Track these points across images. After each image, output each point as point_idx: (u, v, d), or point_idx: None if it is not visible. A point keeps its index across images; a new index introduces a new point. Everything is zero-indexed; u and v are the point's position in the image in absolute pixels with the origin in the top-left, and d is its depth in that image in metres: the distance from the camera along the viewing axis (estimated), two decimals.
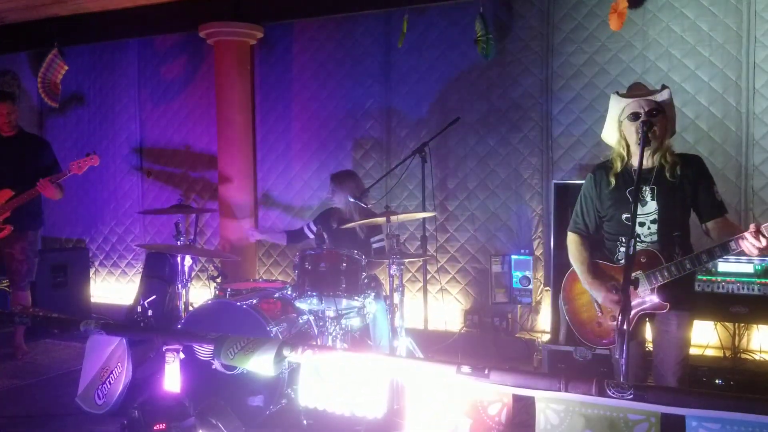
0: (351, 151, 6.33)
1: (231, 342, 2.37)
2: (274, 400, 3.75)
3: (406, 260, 5.78)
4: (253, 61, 6.63)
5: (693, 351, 4.63)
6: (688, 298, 2.95)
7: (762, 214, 4.89)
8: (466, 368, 2.11)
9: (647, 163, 2.92)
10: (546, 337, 5.17)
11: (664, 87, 2.96)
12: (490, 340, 5.35)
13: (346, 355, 2.29)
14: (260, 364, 2.33)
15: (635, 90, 3.01)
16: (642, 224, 2.94)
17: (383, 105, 6.21)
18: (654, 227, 2.93)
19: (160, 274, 6.04)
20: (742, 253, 2.67)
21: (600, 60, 5.39)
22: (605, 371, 4.31)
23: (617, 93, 3.00)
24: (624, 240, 2.96)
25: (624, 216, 2.97)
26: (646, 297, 2.88)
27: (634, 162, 2.94)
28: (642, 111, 2.88)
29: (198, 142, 7.02)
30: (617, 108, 2.99)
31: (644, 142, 2.81)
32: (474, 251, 5.87)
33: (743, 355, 4.51)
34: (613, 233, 3.04)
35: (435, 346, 5.18)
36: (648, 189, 2.94)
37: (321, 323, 4.11)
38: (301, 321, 4.22)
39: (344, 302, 4.04)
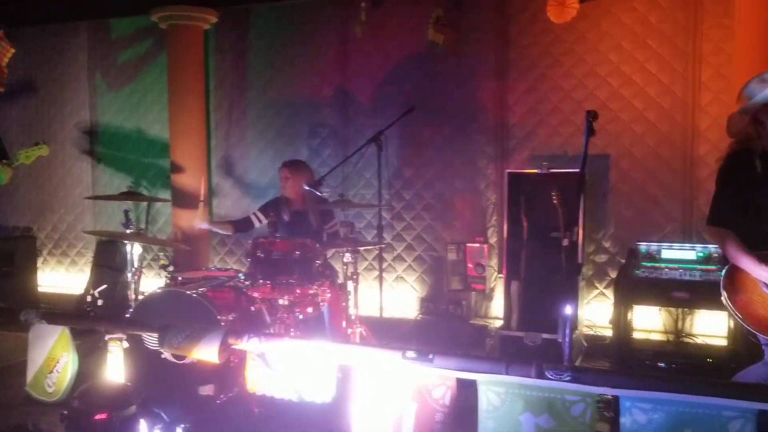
0: (308, 139, 6.30)
1: (175, 331, 2.35)
2: (226, 388, 3.73)
3: (362, 249, 5.81)
4: (207, 46, 6.52)
5: (638, 335, 4.81)
6: None
7: (706, 203, 5.02)
8: (411, 354, 2.14)
9: None
10: (499, 323, 5.26)
11: None
12: (444, 327, 5.40)
13: (293, 342, 2.30)
14: (205, 352, 2.32)
15: None
16: None
17: (341, 93, 6.19)
18: None
19: (110, 262, 5.93)
20: None
21: (554, 51, 5.47)
22: (555, 355, 4.40)
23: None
24: None
25: None
26: None
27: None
28: None
29: (150, 128, 6.89)
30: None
31: None
32: (430, 239, 5.91)
33: (686, 339, 4.67)
34: (756, 225, 2.86)
35: (391, 333, 5.20)
36: None
37: (274, 311, 4.08)
38: (253, 309, 4.20)
39: (298, 290, 4.03)
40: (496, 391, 2.01)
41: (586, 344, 4.96)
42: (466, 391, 2.13)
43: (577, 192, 2.86)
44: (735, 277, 2.77)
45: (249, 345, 2.35)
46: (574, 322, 4.86)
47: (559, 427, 1.94)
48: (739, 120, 2.91)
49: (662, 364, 3.92)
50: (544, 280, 4.84)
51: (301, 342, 2.31)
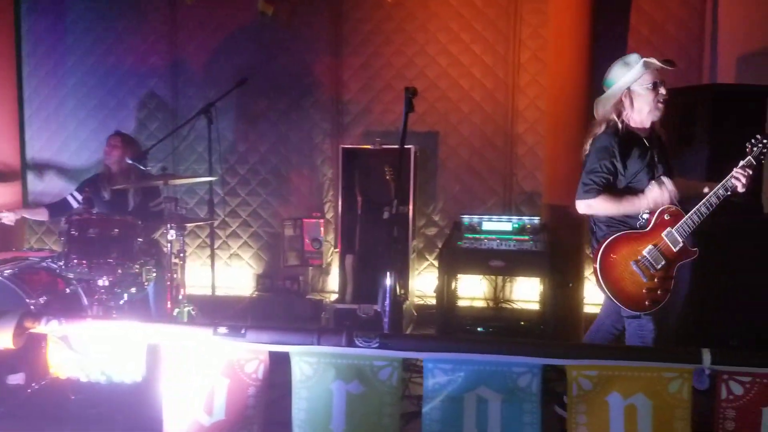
0: (134, 110, 5.94)
1: None
2: (37, 376, 3.48)
3: (194, 225, 5.62)
4: (18, 6, 5.91)
5: (463, 303, 5.10)
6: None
7: (524, 178, 5.43)
8: (222, 329, 2.09)
9: (648, 130, 3.11)
10: (335, 297, 5.34)
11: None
12: (281, 303, 5.39)
13: (96, 323, 2.17)
14: None
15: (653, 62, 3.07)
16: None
17: (169, 62, 5.89)
18: None
19: None
20: (734, 188, 2.94)
21: (386, 28, 5.57)
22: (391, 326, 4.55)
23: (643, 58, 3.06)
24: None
25: (650, 182, 3.06)
26: (677, 249, 2.99)
27: (633, 126, 3.09)
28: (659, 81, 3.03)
29: None
30: (634, 72, 3.05)
31: None
32: (266, 215, 5.84)
33: (504, 305, 5.03)
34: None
35: (225, 311, 5.10)
36: (654, 153, 3.11)
37: (92, 293, 3.84)
38: (68, 291, 3.92)
39: (119, 270, 3.81)
40: (308, 361, 2.03)
41: (416, 313, 5.18)
42: (283, 364, 2.13)
43: (398, 167, 2.94)
44: (609, 253, 3.00)
45: (48, 328, 2.18)
46: (405, 293, 5.06)
47: (369, 391, 2.00)
48: (606, 102, 3.13)
49: (481, 329, 4.18)
50: (377, 254, 4.97)
51: (105, 322, 2.18)
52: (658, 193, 2.98)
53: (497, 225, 4.47)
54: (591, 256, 3.15)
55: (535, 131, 5.35)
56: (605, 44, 5.09)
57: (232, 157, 5.80)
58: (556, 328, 4.17)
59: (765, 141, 2.95)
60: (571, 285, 4.50)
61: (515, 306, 5.12)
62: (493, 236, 4.34)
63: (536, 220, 4.50)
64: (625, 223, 3.09)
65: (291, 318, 5.16)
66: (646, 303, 2.99)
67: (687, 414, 1.88)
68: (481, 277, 5.12)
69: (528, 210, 5.36)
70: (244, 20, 5.73)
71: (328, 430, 1.98)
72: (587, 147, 3.15)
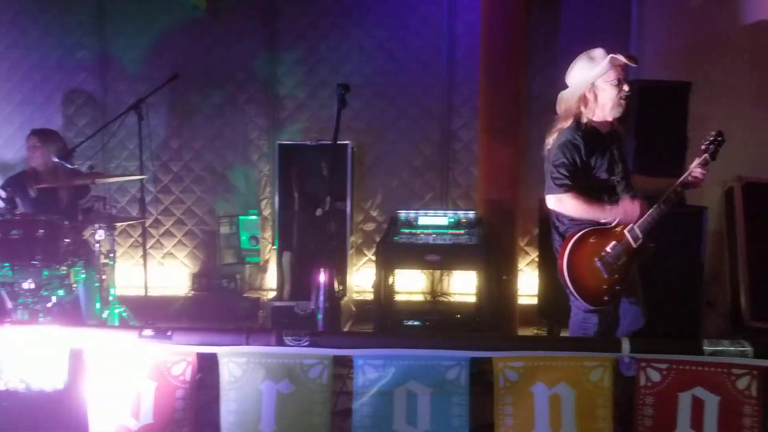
0: (61, 106, 5.73)
1: None
2: None
3: (126, 224, 5.47)
4: None
5: (402, 297, 5.13)
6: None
7: (460, 173, 5.50)
8: (148, 332, 2.06)
9: (609, 126, 3.11)
10: (272, 295, 5.29)
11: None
12: (217, 302, 5.30)
13: (12, 328, 2.09)
14: None
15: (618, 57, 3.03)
16: (618, 183, 3.10)
17: (98, 56, 5.71)
18: (623, 184, 3.11)
19: None
20: (693, 183, 2.98)
21: (322, 24, 5.53)
22: (327, 323, 4.54)
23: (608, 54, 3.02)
24: (607, 200, 3.06)
25: (611, 178, 3.07)
26: (637, 245, 2.99)
27: (596, 122, 3.07)
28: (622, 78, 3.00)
29: None
30: (599, 68, 3.01)
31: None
32: (201, 213, 5.73)
33: (441, 298, 5.09)
34: (595, 197, 3.06)
35: (159, 312, 4.98)
36: (614, 150, 3.10)
37: (16, 296, 3.69)
38: None
39: (46, 272, 3.68)
40: (237, 362, 2.01)
41: (355, 309, 5.19)
42: (212, 365, 2.11)
43: (331, 163, 2.93)
44: (575, 249, 2.97)
45: None
46: (344, 289, 5.06)
47: (299, 390, 2.00)
48: (570, 97, 3.09)
49: (418, 323, 4.22)
50: (315, 251, 4.95)
51: (25, 327, 2.11)
52: (630, 208, 2.97)
53: (433, 220, 4.51)
54: (556, 251, 3.10)
55: (470, 127, 5.42)
56: (537, 39, 5.23)
57: (165, 154, 5.67)
58: (492, 320, 4.24)
59: (720, 138, 3.01)
60: (505, 278, 4.58)
61: (452, 299, 5.19)
62: (430, 231, 4.38)
63: (471, 214, 4.57)
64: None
65: (228, 317, 5.09)
66: (605, 298, 2.99)
67: (608, 401, 1.95)
68: (419, 271, 5.16)
69: (464, 204, 5.43)
70: (176, 13, 5.59)
71: (257, 431, 1.97)
72: (550, 141, 3.11)
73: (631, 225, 2.97)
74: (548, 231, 4.72)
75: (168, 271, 5.71)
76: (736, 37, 4.71)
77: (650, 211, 2.96)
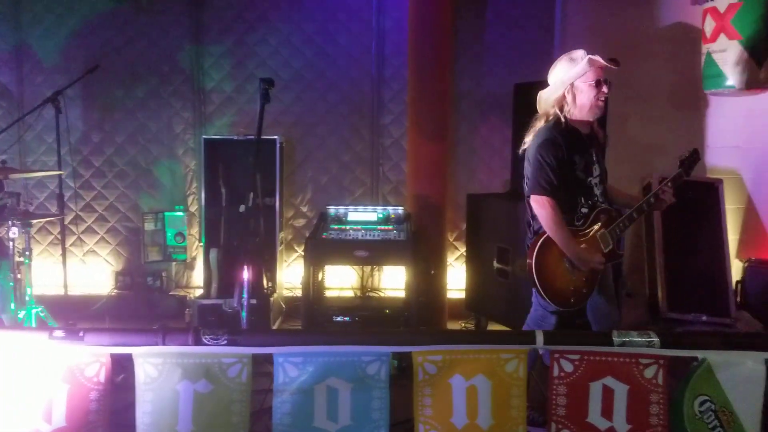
0: None
1: None
2: None
3: (43, 221, 5.26)
4: None
5: (331, 293, 5.13)
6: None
7: (390, 169, 5.54)
8: (59, 333, 1.99)
9: (588, 128, 3.08)
10: (200, 293, 5.19)
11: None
12: (142, 301, 5.17)
13: None
14: None
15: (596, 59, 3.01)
16: (596, 185, 3.07)
17: (13, 47, 5.47)
18: (601, 187, 3.10)
19: None
20: (662, 201, 3.03)
21: (249, 17, 5.45)
22: (253, 319, 4.48)
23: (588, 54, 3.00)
24: (584, 201, 3.03)
25: (588, 179, 3.04)
26: (607, 250, 3.02)
27: (575, 122, 3.04)
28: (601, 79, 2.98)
29: None
30: (578, 69, 2.98)
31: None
32: (125, 209, 5.56)
33: (371, 294, 5.12)
34: (572, 196, 3.04)
35: (80, 312, 4.81)
36: (593, 152, 3.08)
37: None
38: None
39: None
40: (153, 362, 1.96)
41: (284, 306, 5.16)
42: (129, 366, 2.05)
43: (255, 159, 2.89)
44: (545, 247, 2.95)
45: None
46: (273, 286, 5.02)
47: (217, 389, 1.97)
48: (549, 96, 3.06)
49: (347, 318, 4.23)
50: (243, 247, 4.87)
51: None
52: (588, 258, 2.97)
53: (362, 215, 4.53)
54: (527, 248, 3.06)
55: (400, 122, 5.45)
56: (464, 37, 5.31)
57: (85, 149, 5.47)
58: (421, 315, 4.29)
59: (694, 156, 3.10)
60: (433, 272, 4.65)
61: (382, 295, 5.22)
62: (359, 227, 4.40)
63: (400, 210, 4.61)
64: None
65: (153, 316, 4.96)
66: (572, 300, 3.00)
67: (522, 391, 2.01)
68: (349, 267, 5.17)
69: (395, 200, 5.47)
70: (97, 3, 5.40)
71: (174, 431, 1.93)
72: (527, 140, 3.10)
73: (602, 230, 3.02)
74: (475, 226, 4.88)
75: (90, 270, 5.52)
76: (655, 39, 4.90)
77: (621, 218, 3.05)
